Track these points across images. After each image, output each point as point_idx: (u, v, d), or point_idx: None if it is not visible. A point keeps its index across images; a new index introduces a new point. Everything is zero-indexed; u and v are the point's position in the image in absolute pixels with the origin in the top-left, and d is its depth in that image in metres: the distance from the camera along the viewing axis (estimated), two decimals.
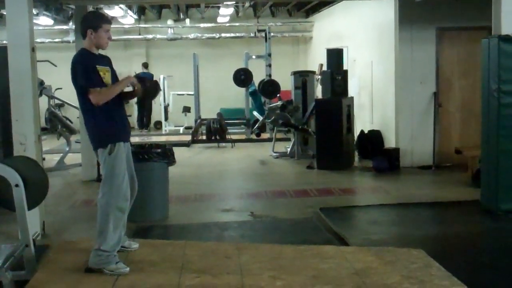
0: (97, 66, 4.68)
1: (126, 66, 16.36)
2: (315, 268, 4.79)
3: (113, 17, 15.26)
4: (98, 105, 4.55)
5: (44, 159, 8.34)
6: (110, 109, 4.69)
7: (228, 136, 13.75)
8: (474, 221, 6.72)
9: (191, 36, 18.12)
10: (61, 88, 13.50)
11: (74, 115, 12.36)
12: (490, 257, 5.40)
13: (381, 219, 6.97)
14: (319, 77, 12.54)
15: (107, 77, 4.73)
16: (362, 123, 11.70)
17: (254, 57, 15.41)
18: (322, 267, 4.80)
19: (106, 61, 4.89)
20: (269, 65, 14.70)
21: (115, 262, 4.64)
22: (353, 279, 4.50)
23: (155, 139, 14.74)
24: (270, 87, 13.71)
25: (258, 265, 4.85)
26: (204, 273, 4.65)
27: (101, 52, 4.86)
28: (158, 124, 17.84)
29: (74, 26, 11.29)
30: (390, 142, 10.47)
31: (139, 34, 17.90)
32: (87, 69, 4.62)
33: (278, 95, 13.50)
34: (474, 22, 9.51)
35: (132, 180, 4.96)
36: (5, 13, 6.21)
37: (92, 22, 4.75)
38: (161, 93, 16.66)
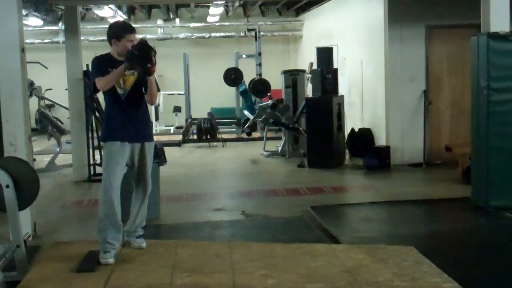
0: (110, 68, 4.86)
1: None
2: (307, 266, 4.80)
3: (102, 18, 15.24)
4: (104, 90, 4.86)
5: (35, 159, 8.32)
6: (114, 108, 4.99)
7: (219, 136, 13.74)
8: (464, 218, 6.76)
9: (181, 35, 18.09)
10: (51, 89, 13.45)
11: (64, 116, 12.31)
12: (481, 254, 5.44)
13: (372, 216, 7.00)
14: (309, 75, 12.56)
15: (117, 82, 4.88)
16: (352, 122, 11.72)
17: (244, 56, 15.40)
18: (313, 265, 4.82)
19: None
20: (259, 64, 14.71)
21: (103, 251, 4.80)
22: (345, 277, 4.51)
23: None
24: (260, 86, 13.72)
25: (250, 264, 4.86)
26: (196, 272, 4.65)
27: None
28: None
29: (63, 26, 11.25)
30: (380, 140, 10.51)
31: None
32: (99, 66, 4.90)
33: (268, 94, 13.52)
34: (464, 20, 9.55)
35: (144, 182, 5.16)
36: None
37: (116, 32, 5.01)
38: None
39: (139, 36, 17.96)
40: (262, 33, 15.74)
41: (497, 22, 6.76)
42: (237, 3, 15.81)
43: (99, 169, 9.51)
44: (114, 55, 5.01)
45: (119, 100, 4.95)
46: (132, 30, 5.03)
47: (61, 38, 16.01)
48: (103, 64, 4.91)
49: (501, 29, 6.73)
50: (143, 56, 4.75)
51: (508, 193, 6.77)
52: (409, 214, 7.06)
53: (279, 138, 12.89)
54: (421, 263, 4.80)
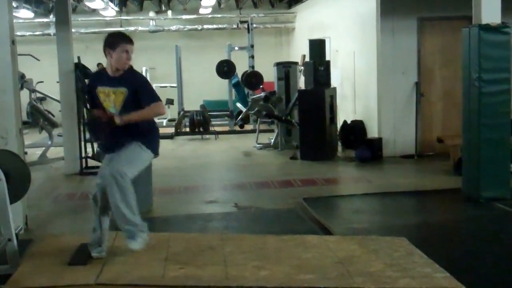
0: (99, 87, 4.68)
1: None
2: (299, 257, 4.80)
3: (94, 10, 15.17)
4: None
5: (26, 153, 8.30)
6: None
7: (211, 128, 13.72)
8: (456, 209, 6.80)
9: (173, 28, 18.03)
10: (42, 82, 13.40)
11: (56, 109, 12.26)
12: (472, 244, 5.46)
13: (364, 208, 7.03)
14: (302, 68, 12.56)
15: (108, 100, 4.65)
16: (345, 114, 11.74)
17: (236, 48, 15.38)
18: (305, 256, 4.83)
19: (118, 82, 4.64)
20: (252, 57, 14.69)
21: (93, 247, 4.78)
22: (337, 267, 4.52)
23: None
24: (253, 79, 13.72)
25: (242, 256, 4.87)
26: (188, 264, 4.65)
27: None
28: None
29: (54, 19, 11.18)
30: (372, 132, 10.52)
31: (121, 26, 17.74)
32: (87, 89, 4.98)
33: (261, 86, 13.52)
34: (455, 12, 9.57)
35: None
36: None
37: (110, 40, 4.65)
38: None
39: (131, 29, 17.80)
40: (254, 25, 15.72)
41: (489, 14, 6.78)
42: None
43: (91, 162, 9.50)
44: (108, 70, 4.68)
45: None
46: (128, 40, 4.65)
47: (52, 30, 15.90)
48: (91, 85, 4.83)
49: (492, 21, 6.74)
50: (93, 131, 4.98)
51: (499, 184, 6.82)
52: (401, 206, 7.09)
53: (272, 131, 12.89)
54: (412, 254, 4.82)
